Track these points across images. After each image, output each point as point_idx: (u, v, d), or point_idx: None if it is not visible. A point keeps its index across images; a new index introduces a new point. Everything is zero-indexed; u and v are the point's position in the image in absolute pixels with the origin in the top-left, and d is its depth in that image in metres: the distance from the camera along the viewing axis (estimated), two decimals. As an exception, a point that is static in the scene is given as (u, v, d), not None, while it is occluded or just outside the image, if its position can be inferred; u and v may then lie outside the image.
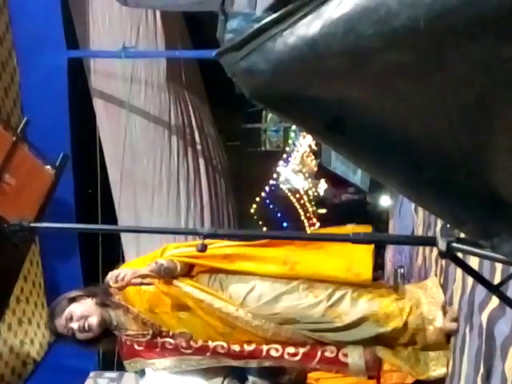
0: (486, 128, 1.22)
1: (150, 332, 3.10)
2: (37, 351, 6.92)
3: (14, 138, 3.37)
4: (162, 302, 3.10)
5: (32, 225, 2.90)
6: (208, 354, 3.13)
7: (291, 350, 3.11)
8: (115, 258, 7.03)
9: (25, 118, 3.65)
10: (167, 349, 3.16)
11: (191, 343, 3.12)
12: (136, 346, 3.17)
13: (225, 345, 3.11)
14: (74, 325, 3.09)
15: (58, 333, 3.15)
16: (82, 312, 3.11)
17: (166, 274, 3.10)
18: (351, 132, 1.36)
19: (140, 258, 3.49)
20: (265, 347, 3.09)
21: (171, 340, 3.14)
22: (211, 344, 3.12)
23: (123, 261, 7.03)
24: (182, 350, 3.14)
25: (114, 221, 7.26)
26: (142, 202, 7.47)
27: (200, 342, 3.12)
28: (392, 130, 1.27)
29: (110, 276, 3.10)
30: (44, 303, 7.22)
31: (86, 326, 3.09)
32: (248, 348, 3.10)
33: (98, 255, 7.25)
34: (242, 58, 1.27)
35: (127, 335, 3.15)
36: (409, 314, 3.02)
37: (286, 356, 3.12)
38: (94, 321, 3.10)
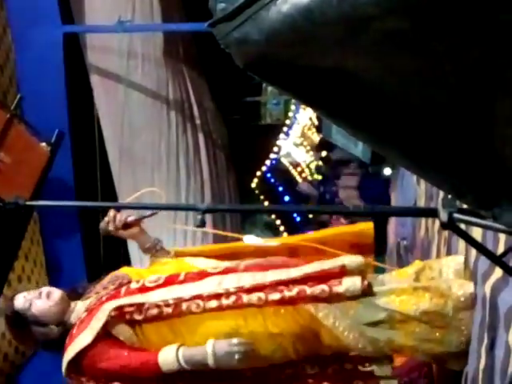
0: (486, 94, 1.21)
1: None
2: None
3: (8, 116, 3.33)
4: None
5: (28, 203, 2.88)
6: None
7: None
8: (115, 237, 7.00)
9: (18, 95, 3.60)
10: None
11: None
12: None
13: None
14: (35, 293, 2.91)
15: (11, 309, 2.91)
16: (49, 287, 2.99)
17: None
18: (348, 102, 1.34)
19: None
20: None
21: None
22: None
23: (124, 241, 7.02)
24: None
25: (115, 198, 7.24)
26: (141, 178, 7.44)
27: None
28: (389, 99, 1.25)
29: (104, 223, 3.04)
30: (46, 282, 7.23)
31: (46, 290, 2.92)
32: None
33: (99, 233, 7.24)
34: (234, 28, 1.25)
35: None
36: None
37: None
38: (56, 291, 2.93)
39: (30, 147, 3.38)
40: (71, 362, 2.75)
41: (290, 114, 11.65)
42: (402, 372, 3.83)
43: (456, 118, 1.31)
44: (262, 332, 2.72)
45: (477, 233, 2.64)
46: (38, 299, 2.89)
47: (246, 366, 2.68)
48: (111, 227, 3.06)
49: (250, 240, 9.32)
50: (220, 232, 5.61)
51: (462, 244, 3.11)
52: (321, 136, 12.11)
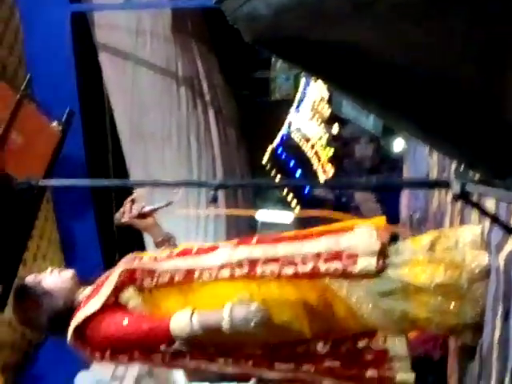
0: (500, 64, 1.19)
1: None
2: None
3: (19, 96, 3.33)
4: None
5: (41, 183, 2.90)
6: None
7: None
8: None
9: (28, 75, 3.60)
10: None
11: None
12: None
13: None
14: (46, 272, 2.93)
15: (22, 284, 2.92)
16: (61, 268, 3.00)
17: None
18: (358, 74, 1.34)
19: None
20: None
21: None
22: None
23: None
24: None
25: (126, 174, 7.26)
26: (152, 155, 7.45)
27: None
28: (399, 70, 1.24)
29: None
30: (61, 260, 7.29)
31: (58, 270, 2.93)
32: None
33: (112, 210, 7.28)
34: (242, 3, 1.24)
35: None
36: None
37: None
38: (69, 270, 2.95)
39: (41, 127, 3.39)
40: (77, 329, 2.71)
41: (300, 89, 11.58)
42: (417, 343, 3.85)
43: (468, 88, 1.30)
44: (277, 300, 2.69)
45: (490, 204, 2.63)
46: (49, 276, 2.90)
47: (262, 334, 2.61)
48: (126, 218, 3.08)
49: (263, 215, 9.35)
50: (232, 211, 5.66)
51: (475, 216, 3.09)
52: (331, 110, 12.07)
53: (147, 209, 3.09)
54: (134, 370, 7.27)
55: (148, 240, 7.01)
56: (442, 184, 1.96)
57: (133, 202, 3.12)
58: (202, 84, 8.22)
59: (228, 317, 2.53)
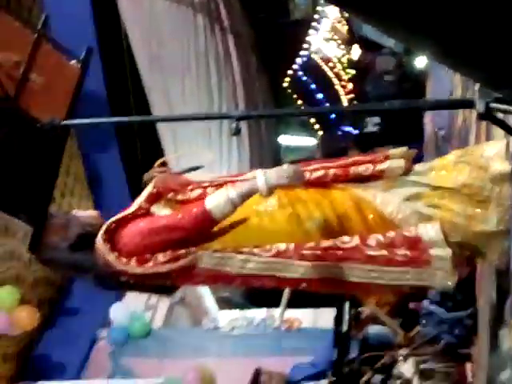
0: None
1: None
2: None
3: (36, 35, 3.30)
4: None
5: (64, 123, 2.90)
6: None
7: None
8: (152, 144, 7.06)
9: (44, 14, 3.57)
10: None
11: None
12: None
13: None
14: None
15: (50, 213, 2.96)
16: None
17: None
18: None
19: None
20: None
21: None
22: None
23: (161, 148, 7.08)
24: None
25: (147, 107, 7.24)
26: (172, 86, 7.40)
27: None
28: None
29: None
30: (88, 195, 7.36)
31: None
32: None
33: (136, 143, 7.30)
34: None
35: None
36: None
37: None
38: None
39: (61, 66, 3.36)
40: (109, 230, 2.67)
41: (319, 8, 11.34)
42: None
43: (494, 8, 1.26)
44: (304, 199, 2.73)
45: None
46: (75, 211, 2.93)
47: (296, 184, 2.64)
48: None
49: (286, 140, 9.39)
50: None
51: (500, 132, 3.06)
52: (351, 29, 11.86)
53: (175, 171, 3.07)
54: (167, 299, 7.44)
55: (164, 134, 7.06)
56: (467, 104, 1.93)
57: (163, 164, 3.06)
58: (219, 10, 8.08)
59: (263, 176, 2.54)
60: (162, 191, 2.79)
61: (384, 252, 2.62)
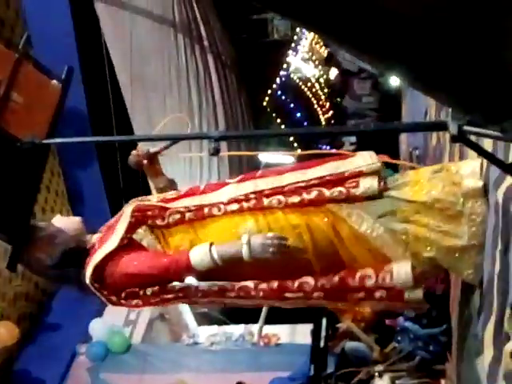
0: (495, 11, 1.20)
1: None
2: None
3: (17, 55, 3.33)
4: None
5: (44, 141, 2.93)
6: None
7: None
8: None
9: (25, 33, 3.61)
10: None
11: None
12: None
13: None
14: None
15: (34, 225, 3.01)
16: None
17: None
18: (351, 23, 1.33)
19: None
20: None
21: None
22: None
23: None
24: None
25: (129, 125, 7.28)
26: (154, 104, 7.44)
27: None
28: (393, 14, 1.22)
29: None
30: (69, 211, 7.37)
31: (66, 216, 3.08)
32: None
33: (117, 160, 7.32)
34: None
35: None
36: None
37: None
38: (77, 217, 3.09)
39: (42, 85, 3.37)
40: (96, 269, 2.76)
41: (297, 29, 11.46)
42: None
43: (465, 34, 1.29)
44: (282, 224, 2.79)
45: (487, 143, 2.66)
46: (58, 219, 3.01)
47: (278, 259, 2.70)
48: (140, 157, 3.13)
49: (266, 157, 9.37)
50: (235, 153, 5.65)
51: (474, 152, 3.12)
52: (329, 49, 11.97)
53: (155, 149, 3.13)
54: (146, 314, 7.44)
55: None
56: (440, 127, 1.97)
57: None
58: (199, 29, 8.13)
59: (247, 244, 2.64)
60: (141, 219, 2.85)
61: (362, 294, 2.81)
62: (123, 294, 2.81)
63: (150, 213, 2.86)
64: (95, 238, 2.96)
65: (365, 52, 1.52)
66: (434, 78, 1.49)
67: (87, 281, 2.78)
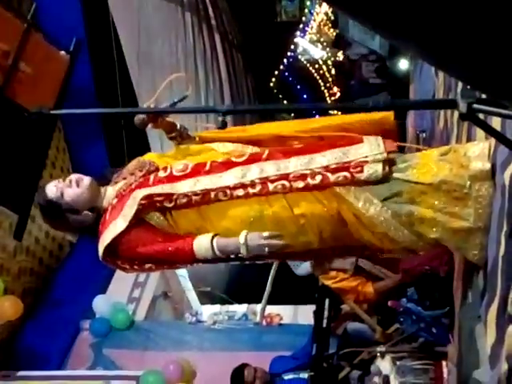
0: None
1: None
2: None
3: (26, 25, 3.31)
4: None
5: (52, 112, 2.91)
6: None
7: None
8: (138, 137, 7.08)
9: (34, 4, 3.58)
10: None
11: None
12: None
13: None
14: (65, 182, 2.98)
15: (45, 200, 2.99)
16: (77, 174, 3.05)
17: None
18: None
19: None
20: None
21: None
22: None
23: (147, 142, 7.09)
24: None
25: (135, 101, 7.25)
26: (160, 81, 7.39)
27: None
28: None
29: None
30: (73, 187, 7.36)
31: (75, 178, 2.98)
32: None
33: (122, 136, 7.31)
34: None
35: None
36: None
37: None
38: (85, 177, 2.99)
39: (50, 56, 3.38)
40: (108, 247, 2.85)
41: (306, 10, 11.40)
42: (424, 260, 3.94)
43: (478, 5, 1.27)
44: (286, 214, 2.84)
45: (495, 123, 2.65)
46: (69, 187, 2.96)
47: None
48: (146, 116, 3.08)
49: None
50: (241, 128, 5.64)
51: (481, 134, 3.12)
52: (337, 31, 11.91)
53: (164, 104, 3.09)
54: (150, 292, 7.45)
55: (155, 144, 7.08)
56: (449, 104, 1.95)
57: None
58: (207, 9, 8.11)
59: (244, 243, 2.73)
60: (148, 206, 2.88)
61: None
62: (136, 262, 2.95)
63: (157, 198, 2.87)
64: (107, 200, 2.99)
65: (378, 24, 1.50)
66: (447, 51, 1.47)
67: (100, 257, 2.89)
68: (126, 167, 3.09)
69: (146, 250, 2.86)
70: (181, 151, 3.14)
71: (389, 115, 2.94)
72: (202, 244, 2.79)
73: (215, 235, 2.80)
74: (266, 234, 2.72)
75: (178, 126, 3.19)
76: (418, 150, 3.33)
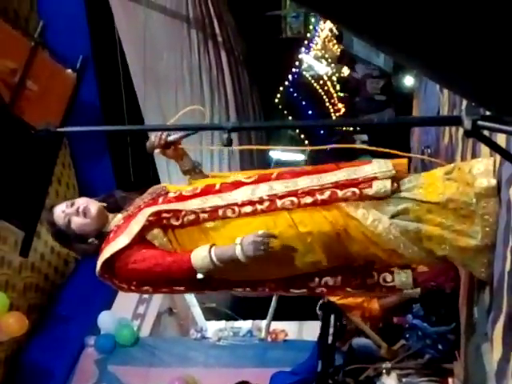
0: None
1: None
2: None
3: (33, 44, 3.33)
4: None
5: (58, 129, 2.93)
6: None
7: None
8: (144, 154, 7.10)
9: (41, 22, 3.60)
10: None
11: None
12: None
13: None
14: (72, 208, 3.00)
15: (53, 224, 3.03)
16: (86, 200, 3.06)
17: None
18: (369, 13, 1.32)
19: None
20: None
21: None
22: None
23: (152, 159, 7.12)
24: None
25: (141, 119, 7.29)
26: (166, 98, 7.44)
27: None
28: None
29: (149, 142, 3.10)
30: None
31: (82, 207, 2.99)
32: None
33: (128, 153, 7.34)
34: None
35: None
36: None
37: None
38: (93, 206, 3.02)
39: (56, 74, 3.40)
40: (106, 262, 2.85)
41: (311, 27, 11.45)
42: (430, 276, 3.93)
43: (483, 23, 1.28)
44: (292, 232, 2.82)
45: (501, 140, 2.66)
46: (76, 216, 2.99)
47: (273, 260, 2.78)
48: (156, 143, 3.10)
49: (276, 155, 9.38)
50: (246, 147, 5.65)
51: (486, 150, 3.12)
52: (342, 47, 11.95)
53: (172, 137, 3.09)
54: (155, 308, 7.46)
55: (164, 178, 7.09)
56: (454, 121, 1.97)
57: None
58: (213, 24, 8.13)
59: (239, 243, 2.71)
60: (155, 222, 2.88)
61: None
62: (134, 282, 2.90)
63: (165, 215, 2.88)
64: (114, 223, 3.01)
65: (383, 42, 1.50)
66: (452, 67, 1.47)
67: (96, 273, 2.88)
68: (140, 197, 3.09)
69: (144, 265, 2.82)
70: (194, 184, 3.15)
71: (403, 163, 2.96)
72: (199, 253, 2.76)
73: (213, 244, 2.78)
74: (260, 232, 2.71)
75: (192, 161, 3.23)
76: (424, 167, 3.36)
